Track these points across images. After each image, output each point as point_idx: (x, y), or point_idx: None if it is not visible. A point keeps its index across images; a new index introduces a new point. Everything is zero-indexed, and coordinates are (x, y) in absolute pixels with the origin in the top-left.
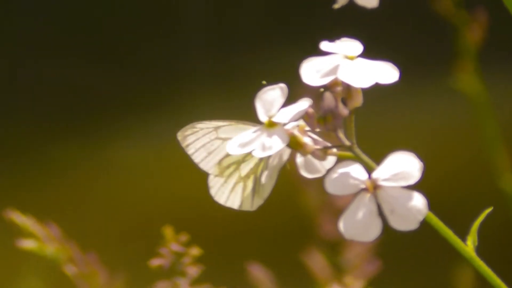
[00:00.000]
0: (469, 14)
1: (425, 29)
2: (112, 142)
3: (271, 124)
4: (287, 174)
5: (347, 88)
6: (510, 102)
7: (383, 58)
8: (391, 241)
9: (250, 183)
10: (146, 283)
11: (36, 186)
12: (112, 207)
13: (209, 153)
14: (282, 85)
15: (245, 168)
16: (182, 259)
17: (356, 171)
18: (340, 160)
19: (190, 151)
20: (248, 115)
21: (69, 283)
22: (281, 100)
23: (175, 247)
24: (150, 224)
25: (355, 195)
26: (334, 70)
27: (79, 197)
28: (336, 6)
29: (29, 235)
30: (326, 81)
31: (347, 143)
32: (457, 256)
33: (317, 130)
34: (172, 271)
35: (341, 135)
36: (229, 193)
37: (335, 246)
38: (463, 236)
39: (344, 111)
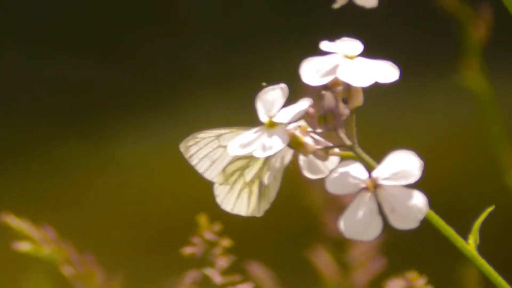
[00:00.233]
0: (473, 10)
1: (428, 26)
2: (112, 142)
3: (272, 124)
4: (291, 173)
5: (348, 87)
6: None
7: (385, 57)
8: (396, 239)
9: (255, 188)
10: (145, 283)
11: (36, 186)
12: (112, 207)
13: (213, 162)
14: (283, 85)
15: (249, 174)
16: (213, 250)
17: (356, 170)
18: (342, 160)
19: (193, 161)
20: (249, 115)
21: (70, 283)
22: (281, 100)
23: (208, 236)
24: (149, 224)
25: (356, 194)
26: (334, 69)
27: (79, 197)
28: (336, 6)
29: (25, 237)
30: (326, 80)
31: (348, 142)
32: (463, 255)
33: (318, 130)
34: (196, 262)
35: (342, 134)
36: (235, 200)
37: (341, 244)
38: (467, 235)
39: (344, 110)
